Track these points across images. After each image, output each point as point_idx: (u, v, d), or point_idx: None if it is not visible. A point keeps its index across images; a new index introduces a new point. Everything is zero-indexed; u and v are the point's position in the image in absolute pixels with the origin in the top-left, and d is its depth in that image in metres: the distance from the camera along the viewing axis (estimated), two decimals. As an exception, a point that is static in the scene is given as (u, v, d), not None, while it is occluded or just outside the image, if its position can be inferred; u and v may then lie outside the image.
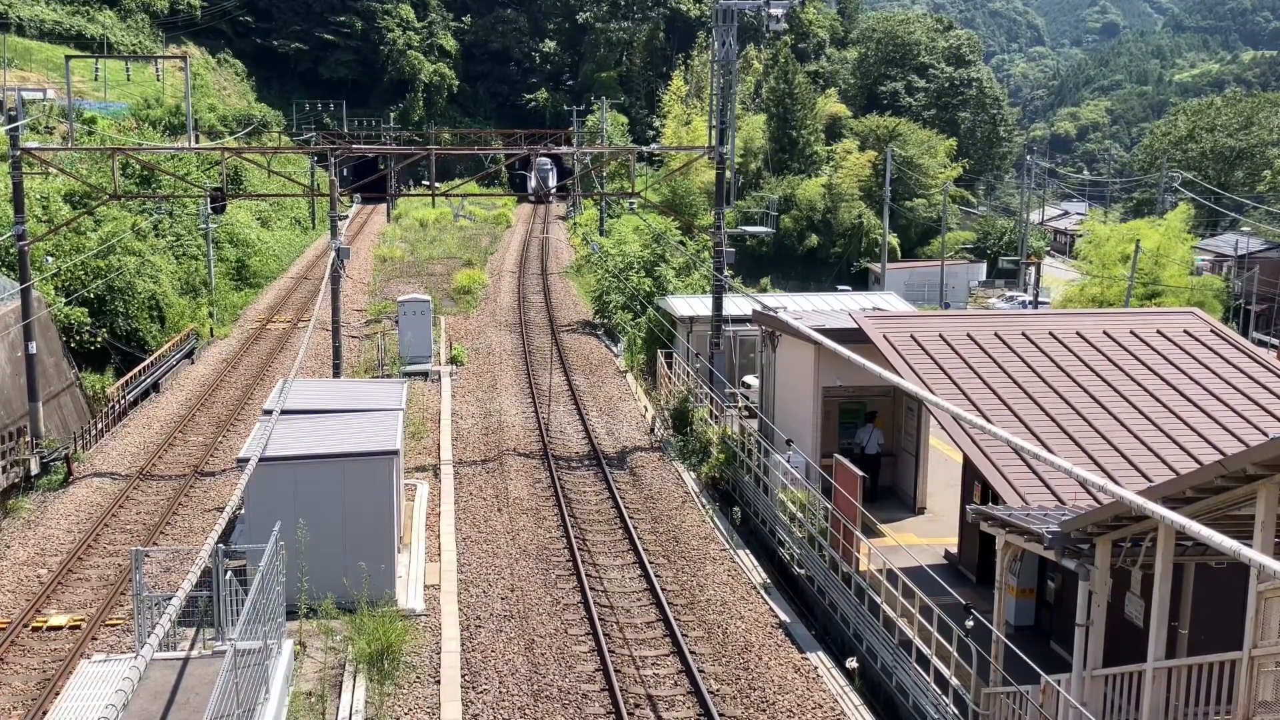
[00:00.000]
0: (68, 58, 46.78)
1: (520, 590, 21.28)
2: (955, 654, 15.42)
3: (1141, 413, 19.11)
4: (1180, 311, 24.48)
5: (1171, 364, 21.00)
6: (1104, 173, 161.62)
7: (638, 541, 23.72)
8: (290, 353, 41.92)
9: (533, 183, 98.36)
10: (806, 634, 19.75)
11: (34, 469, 27.45)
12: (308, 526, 18.01)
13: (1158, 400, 19.55)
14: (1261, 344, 51.43)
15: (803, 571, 21.70)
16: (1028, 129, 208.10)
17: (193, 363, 41.14)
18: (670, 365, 35.57)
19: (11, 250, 31.71)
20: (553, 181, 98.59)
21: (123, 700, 7.43)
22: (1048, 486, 16.76)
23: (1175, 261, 53.86)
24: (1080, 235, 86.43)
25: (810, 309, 32.31)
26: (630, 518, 25.24)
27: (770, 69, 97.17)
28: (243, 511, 19.95)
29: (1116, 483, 13.13)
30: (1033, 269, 69.40)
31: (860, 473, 19.53)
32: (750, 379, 32.45)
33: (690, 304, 37.07)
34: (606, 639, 19.12)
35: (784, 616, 20.28)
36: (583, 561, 22.67)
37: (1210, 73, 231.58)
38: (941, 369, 20.62)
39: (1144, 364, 21.01)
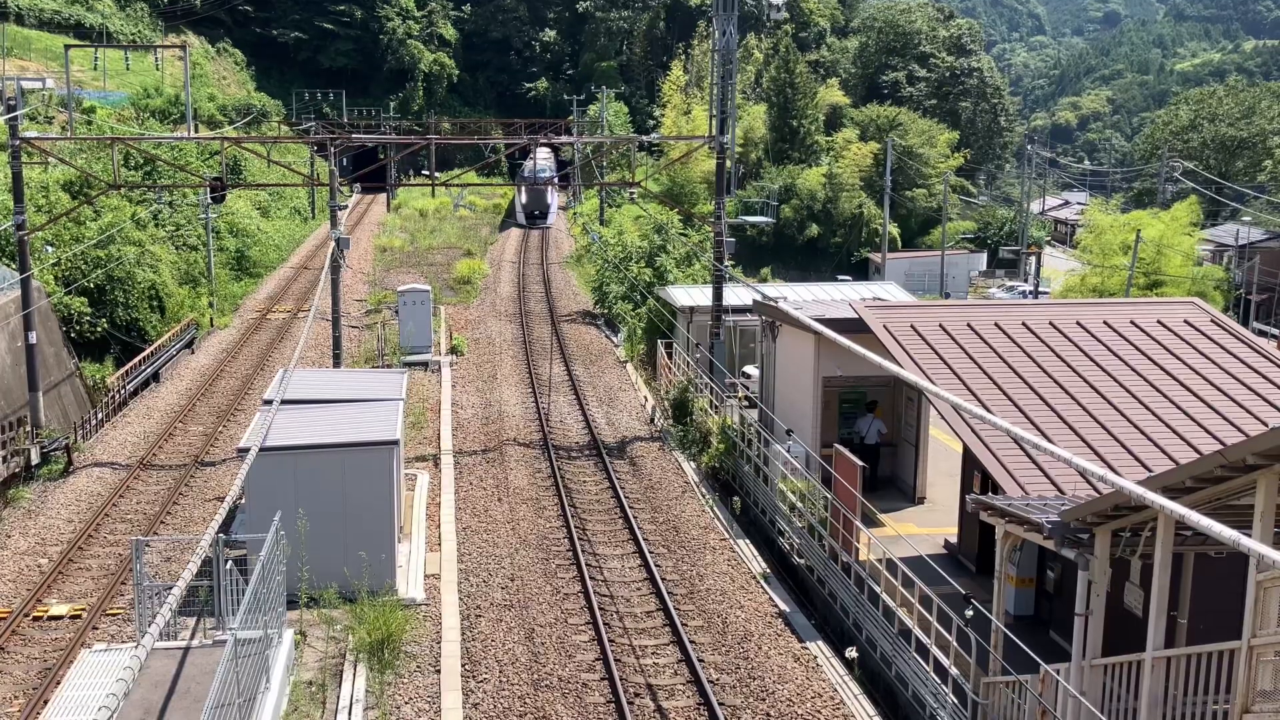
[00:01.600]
0: (67, 47, 46.50)
1: (520, 580, 21.31)
2: (955, 643, 15.44)
3: (1141, 403, 19.12)
4: (1181, 301, 24.47)
5: (1172, 354, 21.01)
6: (1105, 162, 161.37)
7: (637, 531, 23.75)
8: (290, 342, 41.91)
9: (522, 197, 74.00)
10: (806, 623, 19.78)
11: (34, 459, 27.47)
12: (308, 516, 18.03)
13: (1158, 390, 19.56)
14: (1262, 334, 51.43)
15: (802, 561, 21.73)
16: (1029, 118, 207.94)
17: (193, 353, 41.14)
18: (670, 355, 35.56)
19: (11, 240, 31.69)
20: (552, 200, 76.38)
21: (124, 689, 7.45)
22: (1047, 476, 16.78)
23: (1179, 252, 53.78)
24: (1081, 225, 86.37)
25: (810, 299, 32.28)
26: (630, 507, 25.26)
27: (771, 58, 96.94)
28: (243, 501, 19.97)
29: (1116, 472, 13.14)
30: (1033, 259, 69.34)
31: (860, 463, 19.54)
32: (750, 369, 32.45)
33: (690, 294, 37.05)
34: (606, 628, 19.15)
35: (783, 606, 20.31)
36: (583, 551, 22.69)
37: (1212, 62, 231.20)
38: (941, 359, 20.63)
39: (1144, 354, 21.01)
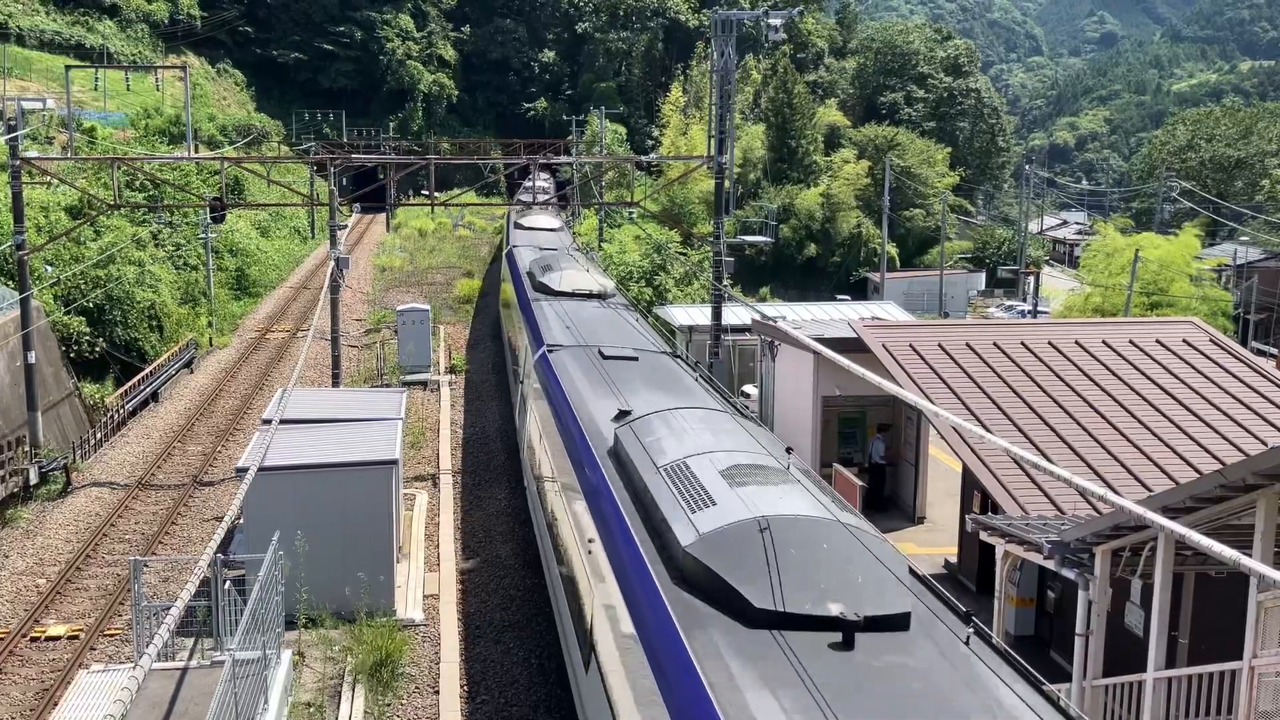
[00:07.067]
0: (68, 68, 46.85)
1: (521, 600, 21.24)
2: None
3: (1141, 422, 19.12)
4: (1179, 321, 24.53)
5: (1171, 373, 21.03)
6: (1102, 182, 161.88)
7: (637, 551, 23.61)
8: (289, 362, 41.90)
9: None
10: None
11: (33, 479, 27.42)
12: (307, 536, 17.99)
13: (1157, 410, 19.57)
14: (1260, 353, 51.43)
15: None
16: (1026, 139, 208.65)
17: (192, 372, 41.12)
18: (669, 375, 35.49)
19: (11, 260, 31.74)
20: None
21: (121, 710, 7.42)
22: (1047, 496, 16.77)
23: (1183, 274, 53.82)
24: (1081, 244, 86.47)
25: (809, 318, 32.34)
26: (629, 527, 25.11)
27: (769, 79, 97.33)
28: (241, 521, 19.92)
29: (1116, 492, 13.13)
30: (1032, 278, 69.49)
31: (859, 482, 19.54)
32: (749, 388, 32.45)
33: (690, 313, 37.11)
34: (606, 649, 19.00)
35: (783, 626, 20.19)
36: (582, 571, 22.55)
37: (1208, 83, 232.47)
38: (940, 378, 20.64)
39: (1143, 373, 21.04)
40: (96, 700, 14.11)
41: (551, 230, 48.21)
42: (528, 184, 68.81)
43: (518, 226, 48.31)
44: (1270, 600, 10.35)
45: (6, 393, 30.07)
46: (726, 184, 33.35)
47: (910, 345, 21.93)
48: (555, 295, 27.55)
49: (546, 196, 62.15)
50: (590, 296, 27.74)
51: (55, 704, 16.06)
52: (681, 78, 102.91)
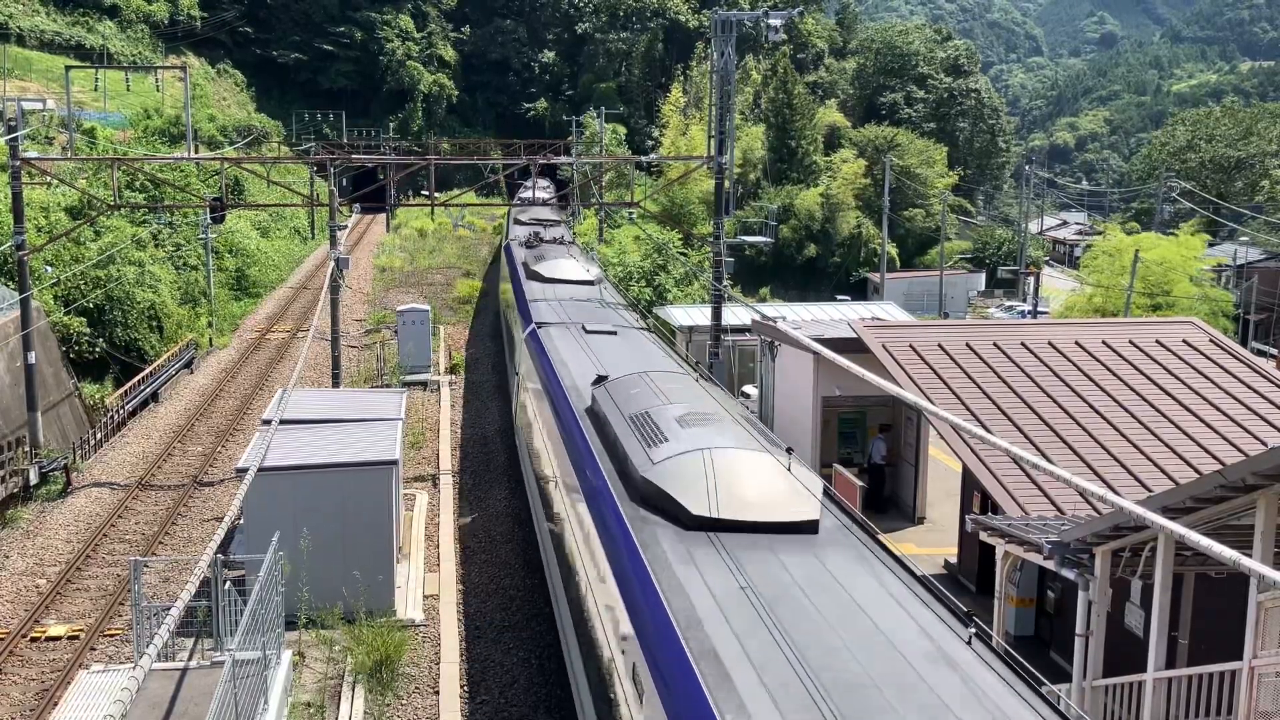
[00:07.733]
0: (68, 68, 46.85)
1: (520, 601, 21.24)
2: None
3: (1141, 422, 19.12)
4: (1179, 321, 24.54)
5: (1170, 374, 21.03)
6: (1102, 183, 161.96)
7: (637, 551, 23.56)
8: (289, 362, 41.90)
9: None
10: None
11: (33, 479, 27.42)
12: (307, 537, 17.99)
13: (1157, 410, 19.57)
14: (1260, 354, 51.43)
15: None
16: (1026, 139, 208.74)
17: (192, 372, 41.12)
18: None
19: (11, 260, 31.74)
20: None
21: (121, 711, 7.42)
22: (1047, 496, 16.77)
23: (1184, 276, 53.82)
24: (1081, 244, 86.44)
25: (809, 319, 32.34)
26: (629, 528, 25.06)
27: (769, 79, 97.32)
28: (241, 521, 19.92)
29: (1116, 492, 13.14)
30: (1032, 279, 69.43)
31: (859, 482, 19.54)
32: (749, 389, 32.46)
33: (689, 314, 37.11)
34: (606, 649, 18.94)
35: (783, 626, 20.17)
36: (582, 571, 22.49)
37: (1208, 83, 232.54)
38: (940, 378, 20.64)
39: (1143, 374, 21.04)
40: (96, 700, 14.11)
41: (584, 284, 30.97)
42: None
43: (530, 275, 31.98)
44: (1270, 600, 10.36)
45: (6, 393, 30.07)
46: (726, 184, 33.34)
47: (910, 345, 21.94)
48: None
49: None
50: None
51: (55, 704, 16.06)
52: (681, 78, 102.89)
